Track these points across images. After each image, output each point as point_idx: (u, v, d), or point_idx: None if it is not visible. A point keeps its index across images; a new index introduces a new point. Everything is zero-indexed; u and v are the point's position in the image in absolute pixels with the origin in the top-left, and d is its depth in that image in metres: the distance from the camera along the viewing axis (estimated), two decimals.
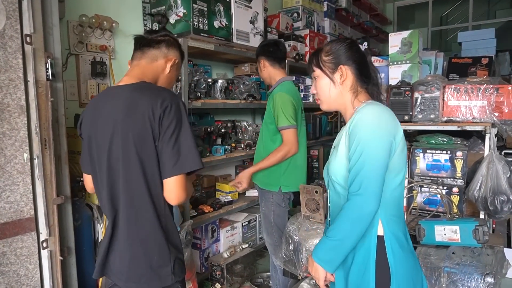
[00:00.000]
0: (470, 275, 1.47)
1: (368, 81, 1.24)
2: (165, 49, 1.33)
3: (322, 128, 4.00)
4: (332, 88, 1.22)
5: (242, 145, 3.00)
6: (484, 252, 1.60)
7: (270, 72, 2.36)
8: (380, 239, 1.12)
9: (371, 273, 1.10)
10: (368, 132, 1.08)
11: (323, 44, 4.04)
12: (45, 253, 1.63)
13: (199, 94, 2.58)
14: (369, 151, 1.06)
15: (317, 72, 1.24)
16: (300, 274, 1.97)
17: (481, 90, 2.18)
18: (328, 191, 1.24)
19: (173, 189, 1.15)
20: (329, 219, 1.23)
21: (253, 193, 3.06)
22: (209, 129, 2.77)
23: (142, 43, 1.32)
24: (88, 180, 1.36)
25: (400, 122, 1.30)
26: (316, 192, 1.90)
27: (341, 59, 1.21)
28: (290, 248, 2.02)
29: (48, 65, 1.59)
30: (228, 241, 2.88)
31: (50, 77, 1.61)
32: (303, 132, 2.38)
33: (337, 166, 1.17)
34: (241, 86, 2.99)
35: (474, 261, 1.52)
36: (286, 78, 2.35)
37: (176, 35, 2.31)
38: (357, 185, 1.06)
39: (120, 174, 1.18)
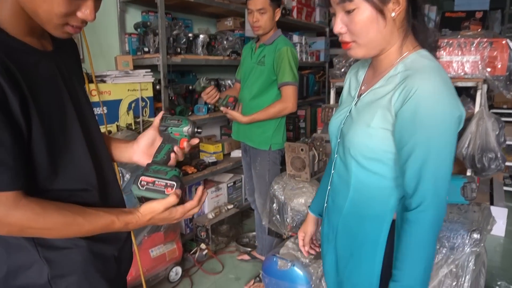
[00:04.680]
0: (456, 231, 1.44)
1: (416, 15, 0.89)
2: None
3: (309, 87, 3.89)
4: (381, 26, 0.84)
5: None
6: (470, 209, 1.58)
7: (274, 24, 2.16)
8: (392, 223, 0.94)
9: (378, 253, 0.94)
10: (441, 128, 0.79)
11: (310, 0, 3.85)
12: None
13: (179, 49, 2.42)
14: (443, 153, 0.81)
15: (356, 2, 0.83)
16: (285, 233, 1.94)
17: (474, 44, 2.09)
18: (336, 155, 1.01)
19: None
20: (329, 187, 1.05)
21: (238, 153, 2.99)
22: (190, 87, 2.64)
23: None
24: None
25: None
26: (302, 150, 1.83)
27: None
28: (275, 207, 1.97)
29: None
30: (213, 202, 2.83)
31: None
32: None
33: (364, 140, 0.89)
34: (224, 42, 2.83)
35: (461, 218, 1.50)
36: (281, 33, 2.19)
37: None
38: (432, 197, 0.81)
39: None
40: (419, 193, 0.82)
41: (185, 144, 0.94)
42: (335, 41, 4.41)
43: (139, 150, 0.97)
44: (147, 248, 2.14)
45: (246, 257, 2.56)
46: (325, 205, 1.07)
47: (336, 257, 1.01)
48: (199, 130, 0.96)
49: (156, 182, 0.81)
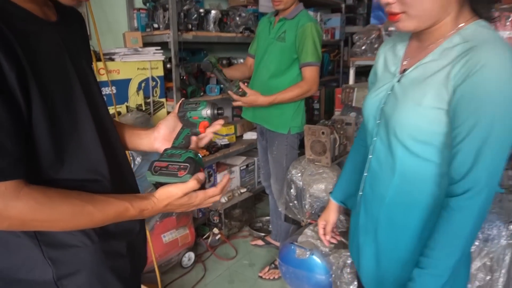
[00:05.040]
0: (491, 222, 1.34)
1: None
2: None
3: (324, 67, 3.73)
4: None
5: None
6: (505, 198, 1.47)
7: None
8: None
9: None
10: (509, 107, 0.69)
11: None
12: None
13: (190, 26, 2.29)
14: (505, 135, 0.71)
15: None
16: (303, 221, 1.86)
17: (510, 19, 1.93)
18: (374, 138, 0.90)
19: None
20: (365, 174, 0.95)
21: (250, 136, 2.89)
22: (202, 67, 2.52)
23: None
24: None
25: None
26: (323, 133, 1.72)
27: None
28: (293, 193, 1.88)
29: None
30: None
31: None
32: None
33: (414, 120, 0.78)
34: (237, 18, 2.68)
35: (496, 207, 1.39)
36: (303, 7, 2.00)
37: None
38: (486, 183, 0.71)
39: None
40: (471, 177, 0.72)
41: (202, 126, 0.85)
42: (351, 18, 4.21)
43: (160, 137, 0.88)
44: (159, 233, 2.08)
45: (260, 242, 2.49)
46: (360, 193, 0.97)
47: (377, 250, 0.92)
48: (220, 111, 0.87)
49: (170, 166, 0.74)
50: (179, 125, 0.89)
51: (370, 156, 0.92)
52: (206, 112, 0.86)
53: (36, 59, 0.59)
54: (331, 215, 1.17)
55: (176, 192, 0.71)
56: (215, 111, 0.86)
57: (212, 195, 0.77)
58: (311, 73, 1.90)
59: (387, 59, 0.94)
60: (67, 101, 0.65)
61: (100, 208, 0.64)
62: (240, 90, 1.81)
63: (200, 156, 0.80)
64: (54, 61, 0.64)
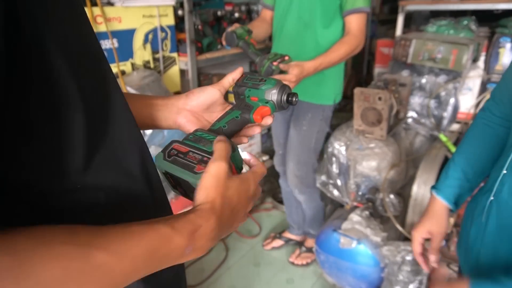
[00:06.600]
0: None
1: None
2: None
3: None
4: None
5: None
6: None
7: None
8: None
9: None
10: None
11: None
12: None
13: None
14: None
15: None
16: (347, 203, 1.57)
17: None
18: None
19: None
20: (504, 172, 0.61)
21: None
22: (219, 13, 2.12)
23: None
24: None
25: None
26: (380, 98, 1.38)
27: None
28: (334, 170, 1.58)
29: None
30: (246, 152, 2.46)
31: None
32: None
33: None
34: None
35: None
36: None
37: None
38: None
39: None
40: None
41: (259, 113, 0.57)
42: None
43: (187, 110, 0.59)
44: (177, 210, 1.82)
45: (277, 243, 2.01)
46: (491, 198, 0.64)
47: None
48: (292, 98, 0.58)
49: (190, 153, 0.50)
50: (220, 106, 0.61)
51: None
52: (271, 94, 0.58)
53: None
54: (440, 222, 0.78)
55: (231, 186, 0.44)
56: (285, 97, 0.58)
57: (261, 169, 0.51)
58: (359, 22, 1.42)
59: None
60: (85, 46, 0.37)
61: (120, 250, 0.31)
62: (279, 60, 1.27)
63: (240, 152, 0.52)
64: None
